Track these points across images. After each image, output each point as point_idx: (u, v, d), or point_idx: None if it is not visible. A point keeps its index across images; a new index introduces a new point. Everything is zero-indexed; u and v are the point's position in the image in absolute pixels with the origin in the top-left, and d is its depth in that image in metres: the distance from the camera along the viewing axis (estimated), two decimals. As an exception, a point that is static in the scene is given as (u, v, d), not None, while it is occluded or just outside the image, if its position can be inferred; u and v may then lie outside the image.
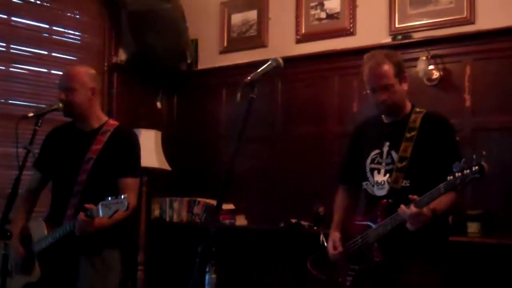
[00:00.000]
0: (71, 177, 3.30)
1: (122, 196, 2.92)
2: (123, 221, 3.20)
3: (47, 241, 3.25)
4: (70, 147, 3.40)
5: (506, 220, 4.06)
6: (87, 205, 2.98)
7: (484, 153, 2.54)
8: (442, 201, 2.73)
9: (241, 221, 5.27)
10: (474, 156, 2.54)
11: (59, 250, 3.25)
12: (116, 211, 2.92)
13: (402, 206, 2.73)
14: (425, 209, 2.69)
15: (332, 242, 3.18)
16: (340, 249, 3.12)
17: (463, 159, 2.57)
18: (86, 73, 3.40)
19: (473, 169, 2.51)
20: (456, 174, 2.56)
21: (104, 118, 3.47)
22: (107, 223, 3.07)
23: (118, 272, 3.39)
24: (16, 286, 3.34)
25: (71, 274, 3.27)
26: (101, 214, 2.93)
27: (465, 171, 2.53)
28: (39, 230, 3.32)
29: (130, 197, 3.10)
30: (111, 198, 2.93)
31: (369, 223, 2.99)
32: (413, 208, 2.68)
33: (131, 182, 3.31)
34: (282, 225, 4.92)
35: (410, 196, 2.72)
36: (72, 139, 3.42)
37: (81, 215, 2.98)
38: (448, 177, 2.59)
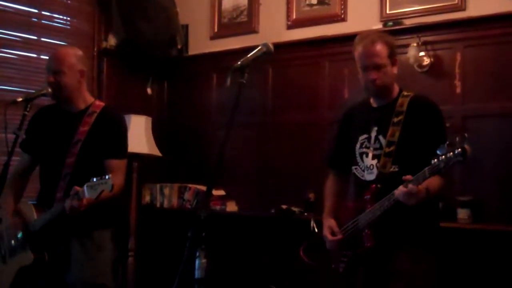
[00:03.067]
0: (59, 159, 3.29)
1: (107, 176, 2.92)
2: (112, 201, 3.22)
3: (39, 224, 3.24)
4: (57, 129, 3.39)
5: (496, 206, 4.08)
6: (76, 188, 2.97)
7: (466, 135, 2.53)
8: (433, 182, 2.73)
9: (232, 207, 5.27)
10: (457, 139, 2.53)
11: (51, 233, 3.24)
12: (101, 192, 2.92)
13: (401, 186, 2.71)
14: (420, 187, 2.68)
15: (329, 228, 3.16)
16: (340, 236, 3.10)
17: (447, 142, 2.56)
18: (74, 55, 3.39)
19: (456, 152, 2.51)
20: (440, 157, 2.56)
21: (91, 99, 3.47)
22: (94, 203, 3.05)
23: (110, 251, 3.40)
24: (11, 271, 3.33)
25: (64, 257, 3.27)
26: (86, 195, 2.94)
27: (448, 154, 2.54)
28: (29, 213, 3.32)
29: (117, 177, 3.13)
30: (95, 179, 2.93)
31: (358, 208, 3.00)
32: (412, 186, 2.66)
33: (118, 163, 3.31)
34: (273, 211, 4.92)
35: (404, 177, 2.71)
36: (59, 121, 3.41)
37: (71, 198, 2.98)
38: (432, 161, 2.60)
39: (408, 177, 2.70)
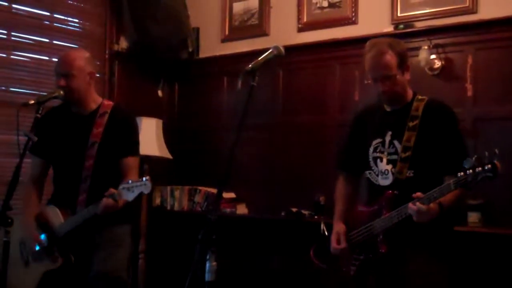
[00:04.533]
0: (77, 162, 3.33)
1: (144, 179, 2.99)
2: None
3: (67, 227, 3.27)
4: (69, 131, 3.41)
5: (506, 210, 4.06)
6: (112, 190, 3.01)
7: (497, 151, 2.48)
8: (448, 197, 2.68)
9: (242, 209, 5.28)
10: (487, 154, 2.49)
11: (75, 234, 3.27)
12: (139, 194, 3.00)
13: (410, 204, 2.69)
14: (432, 205, 2.65)
15: (337, 235, 3.14)
16: (344, 244, 3.09)
17: (475, 156, 2.52)
18: (83, 57, 3.42)
19: (485, 168, 2.47)
20: (468, 171, 2.51)
21: (99, 99, 3.50)
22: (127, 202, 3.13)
23: (129, 246, 3.47)
24: (35, 274, 3.36)
25: (86, 253, 3.32)
26: (123, 196, 2.99)
27: (476, 169, 2.49)
28: (56, 217, 3.34)
29: (135, 175, 3.23)
30: (131, 181, 3.00)
31: (374, 213, 2.97)
32: (420, 205, 2.65)
33: (134, 161, 3.36)
34: (283, 214, 4.92)
35: (414, 195, 2.69)
36: (70, 123, 3.43)
37: (106, 200, 3.02)
38: (459, 174, 2.54)
39: (418, 194, 2.68)
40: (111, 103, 3.49)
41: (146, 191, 3.00)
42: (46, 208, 3.45)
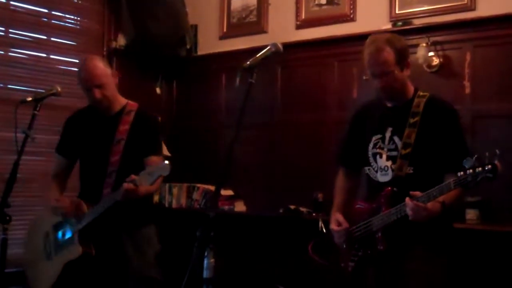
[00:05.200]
0: (102, 158, 3.40)
1: (165, 162, 3.08)
2: (151, 199, 3.52)
3: (90, 217, 3.31)
4: (96, 130, 3.49)
5: (504, 207, 4.07)
6: (133, 176, 3.07)
7: (498, 151, 2.47)
8: (450, 195, 2.67)
9: (240, 207, 5.28)
10: (487, 154, 2.48)
11: (101, 229, 3.33)
12: (158, 177, 3.07)
13: (407, 199, 2.69)
14: (432, 203, 2.65)
15: (336, 221, 3.11)
16: (346, 224, 3.06)
17: (475, 156, 2.50)
18: (102, 62, 3.48)
19: (486, 168, 2.46)
20: (468, 171, 2.51)
21: (124, 100, 3.56)
22: (149, 189, 3.30)
23: (157, 245, 3.57)
24: (56, 266, 3.41)
25: (116, 253, 3.39)
26: (144, 182, 3.07)
27: (477, 169, 2.48)
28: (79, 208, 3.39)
29: None
30: (150, 167, 3.12)
31: (373, 210, 2.96)
32: (414, 203, 2.65)
33: (156, 159, 3.41)
34: (281, 211, 4.93)
35: (411, 192, 2.68)
36: (97, 122, 3.50)
37: (127, 184, 3.08)
38: (459, 173, 2.53)
39: (416, 193, 2.68)
40: (135, 103, 3.57)
41: (165, 173, 3.05)
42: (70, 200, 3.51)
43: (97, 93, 3.36)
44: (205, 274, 4.07)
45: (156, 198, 5.63)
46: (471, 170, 2.50)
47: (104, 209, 3.24)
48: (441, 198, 2.66)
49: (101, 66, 3.42)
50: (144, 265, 3.44)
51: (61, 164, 3.62)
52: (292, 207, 4.84)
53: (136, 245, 3.42)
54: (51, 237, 3.49)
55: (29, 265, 3.62)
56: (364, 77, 3.05)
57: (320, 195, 4.75)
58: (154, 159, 3.39)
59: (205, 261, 4.07)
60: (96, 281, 3.40)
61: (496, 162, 2.46)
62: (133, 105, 3.54)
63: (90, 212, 3.31)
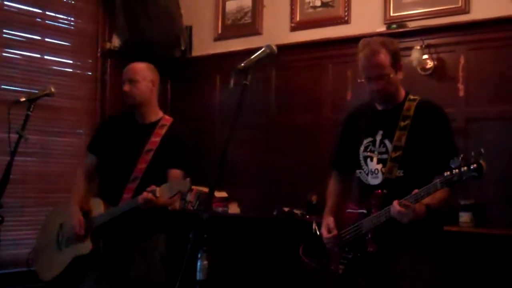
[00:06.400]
0: (129, 164, 3.47)
1: (187, 179, 3.18)
2: (167, 208, 3.58)
3: (105, 217, 3.37)
4: (129, 136, 3.57)
5: (498, 210, 4.08)
6: (153, 186, 3.17)
7: (482, 151, 2.49)
8: (436, 196, 2.69)
9: (234, 209, 5.27)
10: (472, 153, 2.50)
11: (113, 235, 3.41)
12: (178, 192, 3.19)
13: (395, 201, 2.71)
14: (417, 205, 2.66)
15: (326, 226, 3.13)
16: (335, 232, 3.07)
17: (461, 155, 2.53)
18: (147, 66, 3.65)
19: (471, 167, 2.48)
20: (454, 170, 2.53)
21: (160, 113, 3.68)
22: (167, 202, 3.37)
23: (162, 250, 3.56)
24: (65, 258, 3.47)
25: (123, 255, 3.44)
26: (164, 194, 3.17)
27: (462, 169, 2.51)
28: (98, 207, 3.45)
29: None
30: (172, 181, 3.22)
31: (363, 212, 2.97)
32: (397, 206, 2.67)
33: (178, 173, 3.49)
34: (275, 213, 4.92)
35: (401, 200, 2.69)
36: (131, 129, 3.60)
37: (147, 193, 3.17)
38: (445, 173, 2.56)
39: (405, 202, 2.68)
40: (171, 118, 3.68)
41: (185, 189, 3.21)
42: (91, 199, 3.55)
43: (125, 86, 3.52)
44: (199, 276, 4.09)
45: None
46: (456, 170, 2.53)
47: (122, 212, 3.31)
48: (427, 201, 2.67)
49: (140, 65, 3.63)
50: (151, 270, 3.47)
51: (91, 162, 3.66)
52: (286, 209, 4.83)
53: (145, 251, 3.46)
54: (64, 229, 3.54)
55: (40, 250, 3.69)
56: (359, 80, 3.04)
57: (314, 197, 4.75)
58: (176, 172, 3.48)
59: (199, 263, 4.08)
60: (99, 280, 3.45)
61: (481, 161, 2.49)
62: (167, 119, 3.65)
63: (108, 212, 3.38)
